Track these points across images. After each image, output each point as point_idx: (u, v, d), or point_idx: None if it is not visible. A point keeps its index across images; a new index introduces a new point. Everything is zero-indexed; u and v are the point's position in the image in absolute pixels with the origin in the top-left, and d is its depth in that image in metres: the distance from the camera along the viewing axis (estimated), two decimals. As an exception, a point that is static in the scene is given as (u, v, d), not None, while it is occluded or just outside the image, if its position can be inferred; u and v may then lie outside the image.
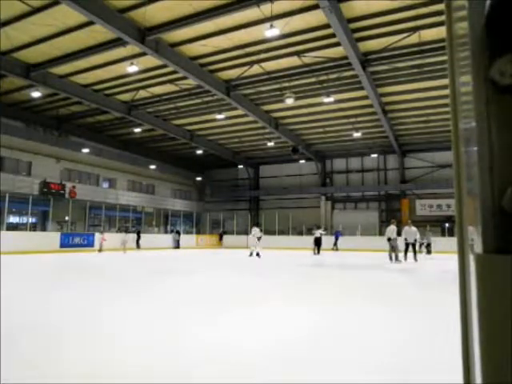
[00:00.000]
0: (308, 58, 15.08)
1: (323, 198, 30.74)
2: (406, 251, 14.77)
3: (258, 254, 16.52)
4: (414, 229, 14.75)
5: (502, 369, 0.48)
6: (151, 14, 12.35)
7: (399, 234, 14.80)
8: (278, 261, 15.70)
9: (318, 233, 20.41)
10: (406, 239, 14.73)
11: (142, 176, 30.53)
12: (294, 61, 15.44)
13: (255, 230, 17.43)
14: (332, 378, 2.73)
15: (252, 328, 4.19)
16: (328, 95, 17.06)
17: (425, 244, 20.86)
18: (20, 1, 11.64)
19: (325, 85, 17.02)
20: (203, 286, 7.81)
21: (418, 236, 14.87)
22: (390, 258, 14.23)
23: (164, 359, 3.05)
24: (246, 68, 16.02)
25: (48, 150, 22.58)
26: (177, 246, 26.36)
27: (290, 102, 17.32)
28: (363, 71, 14.79)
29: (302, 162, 31.06)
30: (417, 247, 16.01)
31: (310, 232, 24.33)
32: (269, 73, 16.40)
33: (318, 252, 20.00)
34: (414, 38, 13.39)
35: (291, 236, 28.34)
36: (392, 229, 14.34)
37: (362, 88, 16.93)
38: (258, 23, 12.64)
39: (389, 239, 14.35)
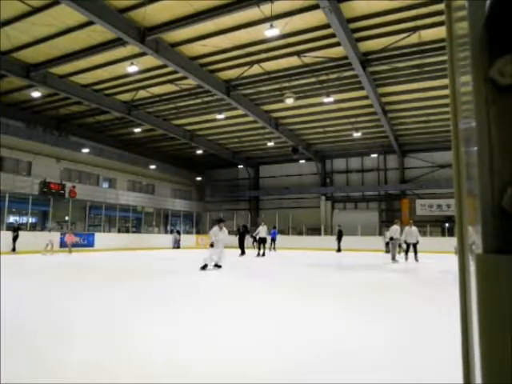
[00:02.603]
0: (308, 58, 15.08)
1: (323, 197, 30.74)
2: (406, 251, 14.76)
3: (217, 266, 10.74)
4: (414, 229, 14.74)
5: (502, 369, 0.48)
6: (151, 14, 12.35)
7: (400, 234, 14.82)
8: (278, 261, 15.70)
9: (263, 230, 18.23)
10: (405, 240, 14.72)
11: (141, 176, 30.54)
12: (294, 61, 15.44)
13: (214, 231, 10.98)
14: (332, 378, 2.73)
15: (252, 328, 4.18)
16: (328, 95, 17.06)
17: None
18: (20, 1, 11.64)
19: (325, 85, 17.02)
20: (203, 285, 7.80)
21: (418, 237, 14.86)
22: (393, 258, 14.26)
23: (164, 359, 3.05)
24: (245, 68, 16.02)
25: (48, 150, 22.59)
26: (177, 246, 26.39)
27: (289, 101, 17.32)
28: (363, 71, 14.79)
29: (302, 161, 31.05)
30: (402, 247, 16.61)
31: (250, 231, 22.74)
32: (269, 73, 16.40)
33: (263, 253, 17.77)
34: (413, 38, 13.39)
35: (291, 236, 28.33)
36: (395, 229, 14.37)
37: (362, 88, 16.93)
38: (258, 23, 12.64)
39: (391, 238, 14.38)
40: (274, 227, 24.60)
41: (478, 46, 0.52)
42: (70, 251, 17.98)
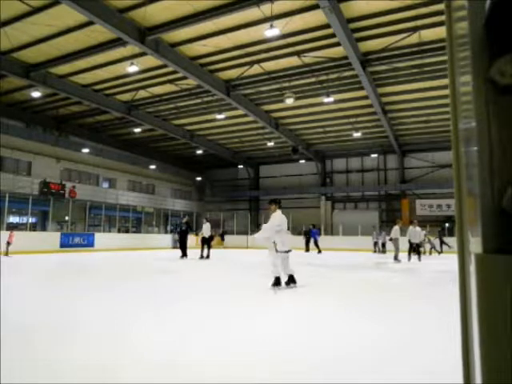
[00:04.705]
0: (308, 58, 15.08)
1: (323, 198, 30.74)
2: (409, 251, 14.74)
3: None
4: (418, 229, 14.74)
5: (502, 369, 0.48)
6: (151, 14, 12.35)
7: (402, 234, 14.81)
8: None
9: (206, 229, 15.50)
10: (409, 240, 14.71)
11: (142, 176, 30.54)
12: (293, 61, 15.44)
13: None
14: (332, 377, 2.73)
15: (253, 328, 4.19)
16: (328, 95, 17.05)
17: (380, 243, 21.09)
18: (20, 1, 11.64)
19: (325, 85, 17.02)
20: (204, 285, 7.80)
21: (422, 237, 14.84)
22: (395, 258, 14.25)
23: (165, 359, 3.05)
24: (246, 68, 16.02)
25: (48, 150, 22.59)
26: (176, 246, 26.35)
27: (289, 101, 17.31)
28: (363, 71, 14.80)
29: (302, 161, 31.06)
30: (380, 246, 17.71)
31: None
32: (269, 73, 16.40)
33: (208, 255, 15.23)
34: (414, 38, 13.39)
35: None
36: (396, 229, 14.38)
37: (362, 88, 16.93)
38: (258, 23, 12.64)
39: (390, 239, 14.39)
40: (314, 226, 22.72)
41: (478, 46, 0.53)
42: (7, 253, 14.82)
